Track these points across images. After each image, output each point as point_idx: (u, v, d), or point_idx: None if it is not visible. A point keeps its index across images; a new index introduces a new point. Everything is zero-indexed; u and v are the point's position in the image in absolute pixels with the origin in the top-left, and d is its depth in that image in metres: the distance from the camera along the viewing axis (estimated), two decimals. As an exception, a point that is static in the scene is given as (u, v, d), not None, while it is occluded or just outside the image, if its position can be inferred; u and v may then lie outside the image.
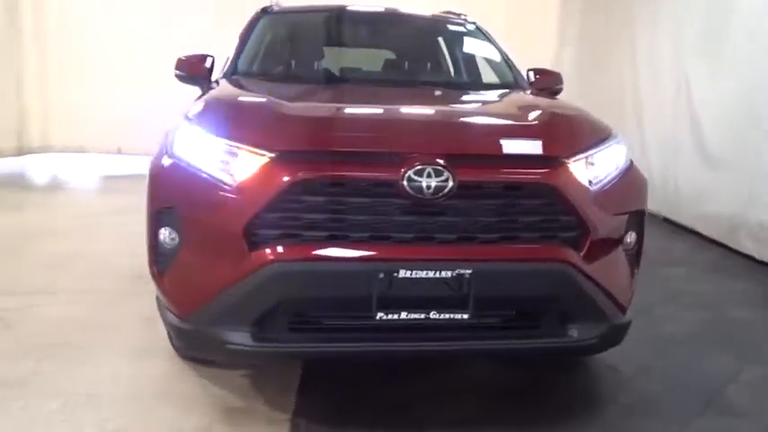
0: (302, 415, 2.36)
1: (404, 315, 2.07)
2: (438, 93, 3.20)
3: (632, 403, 2.56)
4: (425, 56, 3.80)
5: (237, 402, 2.44)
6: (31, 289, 3.56)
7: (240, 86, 2.86)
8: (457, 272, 2.05)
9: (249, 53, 3.41)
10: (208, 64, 3.29)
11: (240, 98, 2.60)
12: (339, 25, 3.75)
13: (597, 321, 2.26)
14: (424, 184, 2.01)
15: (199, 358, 2.61)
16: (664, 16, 6.10)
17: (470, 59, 3.76)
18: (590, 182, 2.23)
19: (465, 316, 2.10)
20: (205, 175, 2.11)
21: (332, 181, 2.03)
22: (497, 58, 3.59)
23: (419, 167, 2.01)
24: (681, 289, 4.08)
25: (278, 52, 3.58)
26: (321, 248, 2.03)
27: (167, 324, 2.24)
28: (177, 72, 3.32)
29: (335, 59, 3.69)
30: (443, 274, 2.05)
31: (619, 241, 2.34)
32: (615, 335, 2.38)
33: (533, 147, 2.24)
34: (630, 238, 2.42)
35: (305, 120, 2.26)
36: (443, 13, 4.09)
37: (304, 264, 2.02)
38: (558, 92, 3.53)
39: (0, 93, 7.52)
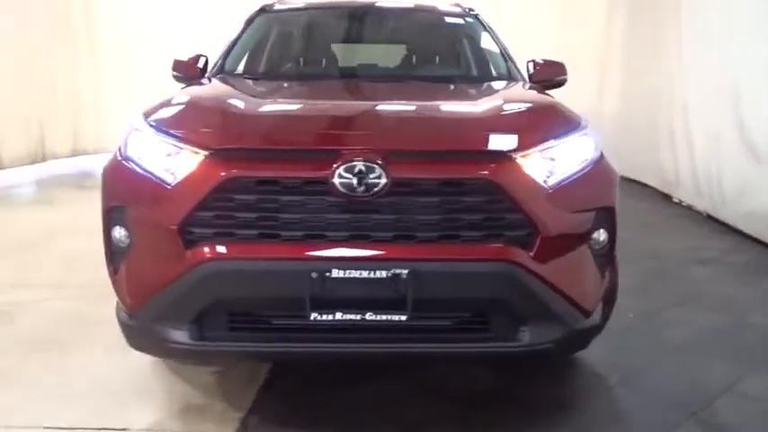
0: (256, 413, 2.36)
1: (339, 316, 2.01)
2: (410, 87, 3.12)
3: (605, 413, 2.41)
4: (416, 49, 3.71)
5: (197, 399, 2.46)
6: (43, 282, 3.74)
7: (211, 86, 2.88)
8: (393, 272, 1.98)
9: (238, 52, 3.44)
10: (200, 64, 3.35)
11: (193, 97, 2.60)
12: (331, 22, 3.74)
13: (552, 325, 2.13)
14: (355, 182, 1.95)
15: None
16: (712, 2, 5.73)
17: (465, 52, 3.65)
18: (545, 177, 2.10)
19: (403, 318, 2.02)
20: (149, 174, 2.13)
21: (263, 179, 2.00)
22: (494, 49, 3.48)
23: (350, 165, 1.95)
24: (703, 291, 3.82)
25: (265, 51, 3.57)
26: (254, 247, 2.01)
27: (118, 321, 2.28)
28: (174, 73, 3.39)
29: (327, 56, 3.65)
30: (378, 274, 1.98)
31: (584, 240, 2.20)
32: (576, 340, 2.24)
33: (475, 142, 2.14)
34: (600, 236, 2.27)
35: (241, 118, 2.24)
36: (452, 5, 3.99)
37: (237, 263, 2.01)
38: (559, 83, 3.39)
39: (58, 100, 7.93)
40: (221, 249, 2.01)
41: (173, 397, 2.47)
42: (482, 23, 3.65)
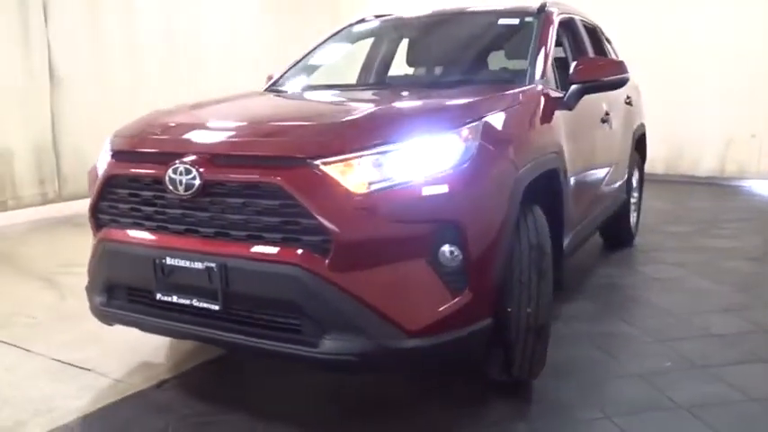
0: (178, 380, 2.74)
1: (174, 299, 2.29)
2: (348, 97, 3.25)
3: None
4: (449, 56, 3.64)
5: (147, 358, 2.94)
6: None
7: (207, 101, 3.27)
8: (206, 265, 2.18)
9: (298, 68, 3.82)
10: (269, 83, 3.84)
11: (151, 112, 2.91)
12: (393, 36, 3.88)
13: (356, 338, 2.05)
14: (177, 181, 2.20)
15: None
16: None
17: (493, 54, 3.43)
18: (359, 184, 2.04)
19: (216, 307, 2.20)
20: (96, 169, 2.68)
21: (129, 176, 2.39)
22: (526, 50, 3.22)
23: (175, 166, 2.21)
24: None
25: (317, 66, 3.87)
26: (123, 233, 2.41)
27: None
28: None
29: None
30: (197, 265, 2.20)
31: (417, 253, 2.07)
32: (389, 358, 2.10)
33: (274, 148, 2.18)
34: (448, 252, 2.09)
35: (141, 126, 2.60)
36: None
37: (114, 245, 2.43)
38: (613, 84, 3.14)
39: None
40: (107, 233, 2.46)
41: (136, 352, 2.99)
42: (532, 25, 3.39)
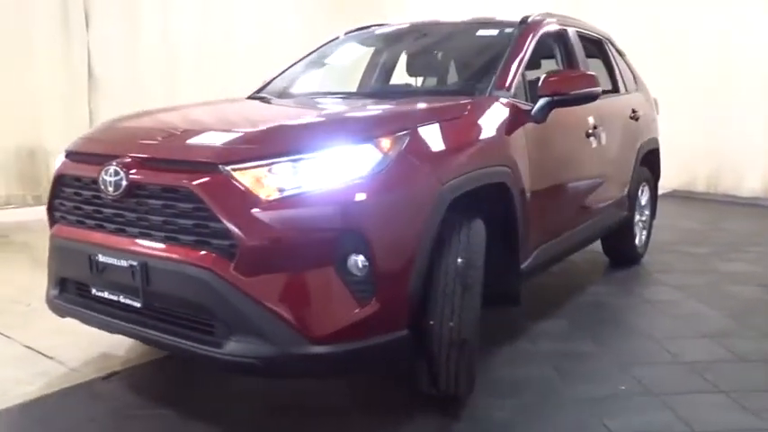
0: (127, 373, 2.84)
1: (106, 294, 2.39)
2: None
3: None
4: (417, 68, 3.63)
5: (108, 350, 3.05)
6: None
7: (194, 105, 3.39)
8: (130, 263, 2.26)
9: (285, 76, 3.89)
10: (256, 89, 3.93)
11: (124, 115, 3.02)
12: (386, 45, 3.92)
13: (259, 341, 2.08)
14: (107, 182, 2.30)
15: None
16: None
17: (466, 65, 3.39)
18: (270, 191, 2.08)
19: (138, 305, 2.28)
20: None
21: (74, 176, 2.50)
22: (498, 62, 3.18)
23: (106, 167, 2.31)
24: None
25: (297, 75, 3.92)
26: (69, 229, 2.53)
27: None
28: None
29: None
30: (122, 263, 2.29)
31: (324, 261, 2.09)
32: (293, 363, 2.11)
33: (189, 152, 2.23)
34: (357, 261, 2.10)
35: (96, 127, 2.73)
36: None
37: (60, 240, 2.56)
38: (584, 98, 3.10)
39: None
40: (57, 229, 2.59)
41: (100, 344, 3.09)
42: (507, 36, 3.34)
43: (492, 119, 2.76)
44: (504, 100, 2.92)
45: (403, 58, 3.94)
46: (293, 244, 2.07)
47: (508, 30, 3.45)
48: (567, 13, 4.13)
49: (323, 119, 2.62)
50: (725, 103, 8.01)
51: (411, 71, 3.86)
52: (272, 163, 2.12)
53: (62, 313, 2.71)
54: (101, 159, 2.38)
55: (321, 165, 2.13)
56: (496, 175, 2.67)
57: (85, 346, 3.11)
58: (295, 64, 3.95)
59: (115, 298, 2.36)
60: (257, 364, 2.11)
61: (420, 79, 3.79)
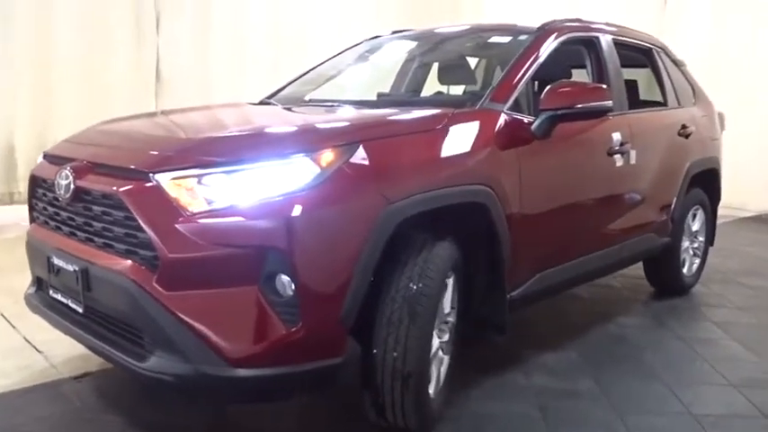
0: (98, 376, 2.85)
1: (59, 296, 2.40)
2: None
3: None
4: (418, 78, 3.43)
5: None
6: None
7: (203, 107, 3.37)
8: (74, 267, 2.26)
9: (301, 81, 3.83)
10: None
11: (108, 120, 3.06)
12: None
13: (177, 359, 2.00)
14: (59, 185, 2.31)
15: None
16: None
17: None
18: (197, 203, 2.00)
19: (80, 309, 2.27)
20: None
21: (42, 178, 2.53)
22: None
23: (60, 171, 2.32)
24: None
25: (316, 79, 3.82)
26: (38, 229, 2.58)
27: None
28: None
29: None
30: (69, 267, 2.28)
31: (247, 279, 1.98)
32: (211, 385, 2.02)
33: (125, 159, 2.18)
34: (279, 282, 1.99)
35: (76, 133, 2.73)
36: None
37: (29, 238, 2.62)
38: (591, 113, 2.88)
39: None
40: (30, 228, 2.64)
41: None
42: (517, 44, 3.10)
43: (472, 133, 2.55)
44: (497, 113, 2.70)
45: (409, 67, 3.77)
46: (215, 259, 1.98)
47: (522, 37, 3.21)
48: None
49: (266, 129, 2.53)
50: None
51: (402, 82, 3.70)
52: (204, 174, 2.03)
53: (33, 310, 2.75)
54: (62, 162, 2.40)
55: (254, 178, 2.02)
56: (471, 194, 2.46)
57: (76, 344, 3.16)
58: (309, 71, 3.88)
59: (66, 301, 2.38)
60: (173, 382, 2.04)
61: (403, 89, 3.61)
